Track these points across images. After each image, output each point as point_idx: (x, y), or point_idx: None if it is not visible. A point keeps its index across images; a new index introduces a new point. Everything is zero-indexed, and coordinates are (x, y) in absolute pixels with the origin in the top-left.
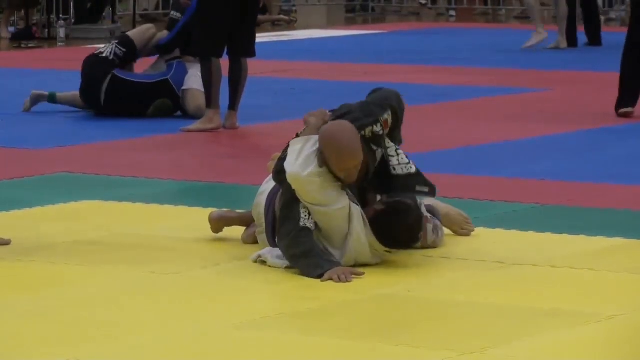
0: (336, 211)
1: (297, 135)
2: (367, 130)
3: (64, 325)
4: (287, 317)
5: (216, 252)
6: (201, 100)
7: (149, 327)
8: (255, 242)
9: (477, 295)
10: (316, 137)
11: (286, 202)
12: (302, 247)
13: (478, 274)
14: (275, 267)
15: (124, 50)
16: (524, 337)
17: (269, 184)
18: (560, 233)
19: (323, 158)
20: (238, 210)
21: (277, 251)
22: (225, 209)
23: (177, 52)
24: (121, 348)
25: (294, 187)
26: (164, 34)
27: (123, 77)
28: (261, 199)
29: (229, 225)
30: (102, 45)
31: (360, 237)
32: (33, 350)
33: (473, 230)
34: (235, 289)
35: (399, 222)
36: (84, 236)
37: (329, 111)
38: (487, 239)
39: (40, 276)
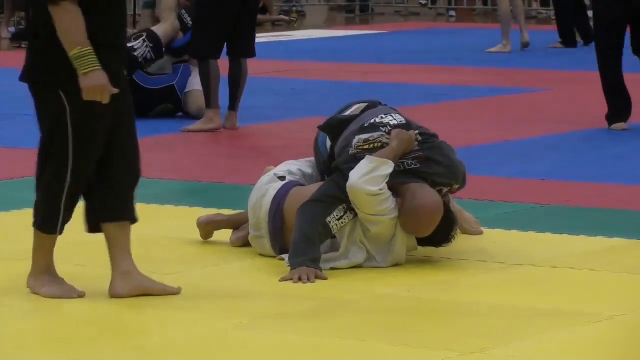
0: (390, 220)
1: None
2: (438, 189)
3: (64, 325)
4: (287, 317)
5: (216, 253)
6: (202, 101)
7: (149, 327)
8: (245, 245)
9: (477, 295)
10: (392, 165)
11: (329, 192)
12: (310, 231)
13: (478, 274)
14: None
15: (153, 54)
16: (524, 337)
17: (271, 185)
18: (560, 233)
19: (399, 198)
20: (228, 213)
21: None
22: (212, 213)
23: (185, 56)
24: (121, 348)
25: (350, 196)
26: (177, 30)
27: (133, 78)
28: (264, 202)
29: (218, 228)
30: (136, 42)
31: (404, 238)
32: (33, 350)
33: (482, 232)
34: (235, 289)
35: (443, 220)
36: (84, 236)
37: (418, 134)
38: (487, 239)
39: None
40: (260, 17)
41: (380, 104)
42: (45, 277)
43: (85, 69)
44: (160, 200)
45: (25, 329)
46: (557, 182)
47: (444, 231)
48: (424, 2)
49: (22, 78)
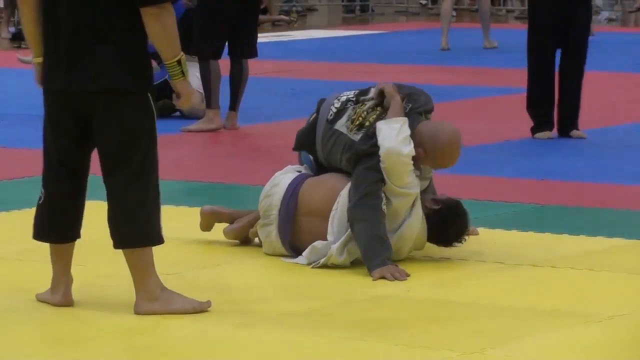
0: (411, 195)
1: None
2: (429, 116)
3: (64, 325)
4: (287, 317)
5: (216, 252)
6: (195, 100)
7: (149, 327)
8: (237, 237)
9: (477, 295)
10: (407, 120)
11: (371, 180)
12: (378, 230)
13: (478, 274)
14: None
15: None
16: (524, 337)
17: (285, 175)
18: (560, 233)
19: (419, 147)
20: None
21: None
22: (218, 206)
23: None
24: (121, 348)
25: (386, 163)
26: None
27: None
28: (276, 189)
29: (220, 221)
30: None
31: (416, 224)
32: (33, 350)
33: (477, 233)
34: (235, 289)
35: (453, 221)
36: (83, 236)
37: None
38: (487, 239)
39: (40, 276)
40: (260, 17)
41: (323, 99)
42: (166, 291)
43: (186, 75)
44: (161, 200)
45: (25, 329)
46: (557, 182)
47: (457, 229)
48: (424, 2)
49: (97, 86)
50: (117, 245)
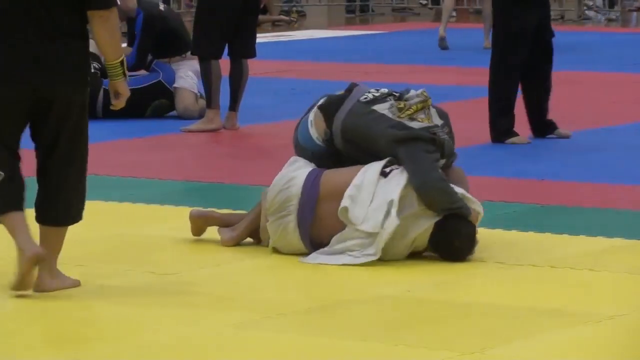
0: None
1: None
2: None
3: (64, 325)
4: (287, 317)
5: (216, 252)
6: (188, 101)
7: (149, 327)
8: (236, 244)
9: (477, 295)
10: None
11: (431, 159)
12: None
13: (478, 274)
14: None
15: (98, 65)
16: (524, 337)
17: (300, 170)
18: (560, 233)
19: None
20: (222, 211)
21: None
22: (206, 209)
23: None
24: (121, 348)
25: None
26: (127, 50)
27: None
28: (294, 182)
29: (209, 225)
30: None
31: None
32: (33, 350)
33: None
34: (235, 289)
35: (458, 235)
36: (84, 236)
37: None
38: (487, 239)
39: None
40: (260, 17)
41: (356, 85)
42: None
43: (125, 76)
44: (160, 200)
45: (26, 329)
46: (557, 182)
47: (469, 249)
48: (424, 2)
49: (63, 78)
50: (53, 221)
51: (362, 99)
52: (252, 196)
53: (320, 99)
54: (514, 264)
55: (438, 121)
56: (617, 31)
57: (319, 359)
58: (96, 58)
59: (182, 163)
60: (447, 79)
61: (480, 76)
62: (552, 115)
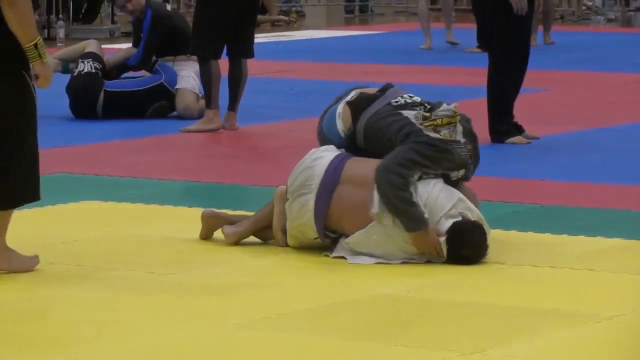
0: None
1: None
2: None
3: (64, 325)
4: (287, 317)
5: (216, 253)
6: (189, 99)
7: (149, 328)
8: (238, 242)
9: (477, 295)
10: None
11: (411, 158)
12: (411, 196)
13: (478, 275)
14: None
15: (100, 65)
16: (524, 337)
17: (327, 153)
18: (560, 233)
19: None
20: (234, 213)
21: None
22: (219, 210)
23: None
24: (121, 348)
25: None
26: (131, 51)
27: (116, 89)
28: (319, 162)
29: (221, 225)
30: (79, 66)
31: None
32: (33, 350)
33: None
34: (235, 289)
35: (468, 241)
36: (83, 236)
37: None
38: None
39: (40, 276)
40: (260, 17)
41: (391, 86)
42: (8, 250)
43: (45, 58)
44: (160, 200)
45: (25, 329)
46: (557, 182)
47: (479, 254)
48: None
49: None
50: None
51: (393, 102)
52: (252, 196)
53: (351, 91)
54: (514, 264)
55: (461, 139)
56: (617, 31)
57: (318, 359)
58: (97, 58)
59: (182, 163)
60: (446, 79)
61: (479, 76)
62: (552, 114)
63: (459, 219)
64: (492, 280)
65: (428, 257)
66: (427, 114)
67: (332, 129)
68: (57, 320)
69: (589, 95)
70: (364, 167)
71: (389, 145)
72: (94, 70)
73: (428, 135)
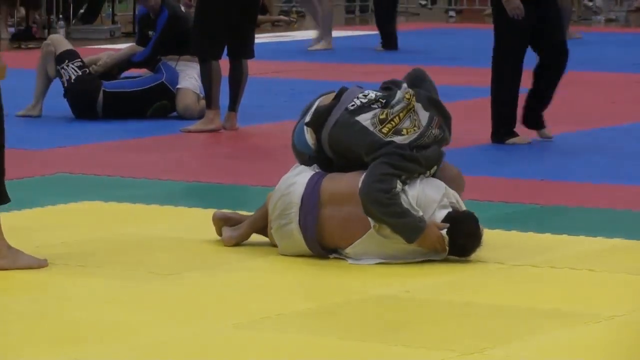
0: None
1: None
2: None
3: (64, 325)
4: (287, 317)
5: (216, 253)
6: (189, 99)
7: (149, 328)
8: (239, 244)
9: (477, 295)
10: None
11: (386, 172)
12: (400, 207)
13: (478, 275)
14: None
15: (80, 62)
16: (524, 337)
17: (301, 175)
18: (560, 233)
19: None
20: (244, 213)
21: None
22: (229, 211)
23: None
24: (121, 348)
25: None
26: (134, 49)
27: (116, 89)
28: (294, 188)
29: (231, 225)
30: (63, 75)
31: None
32: (33, 350)
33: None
34: (235, 289)
35: (463, 230)
36: (83, 236)
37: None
38: (487, 239)
39: (40, 276)
40: (260, 17)
41: (346, 88)
42: (12, 249)
43: None
44: (160, 201)
45: (25, 329)
46: (557, 182)
47: (475, 243)
48: (423, 2)
49: None
50: None
51: (349, 106)
52: (252, 196)
53: (316, 100)
54: (514, 264)
55: (425, 119)
56: (617, 31)
57: (318, 359)
58: (69, 56)
59: (182, 163)
60: (447, 79)
61: (480, 76)
62: (551, 114)
63: (450, 209)
64: (492, 280)
65: (429, 256)
66: (384, 116)
67: (303, 143)
68: (57, 320)
69: (589, 95)
70: (341, 184)
71: (358, 159)
72: (80, 73)
73: (393, 145)
